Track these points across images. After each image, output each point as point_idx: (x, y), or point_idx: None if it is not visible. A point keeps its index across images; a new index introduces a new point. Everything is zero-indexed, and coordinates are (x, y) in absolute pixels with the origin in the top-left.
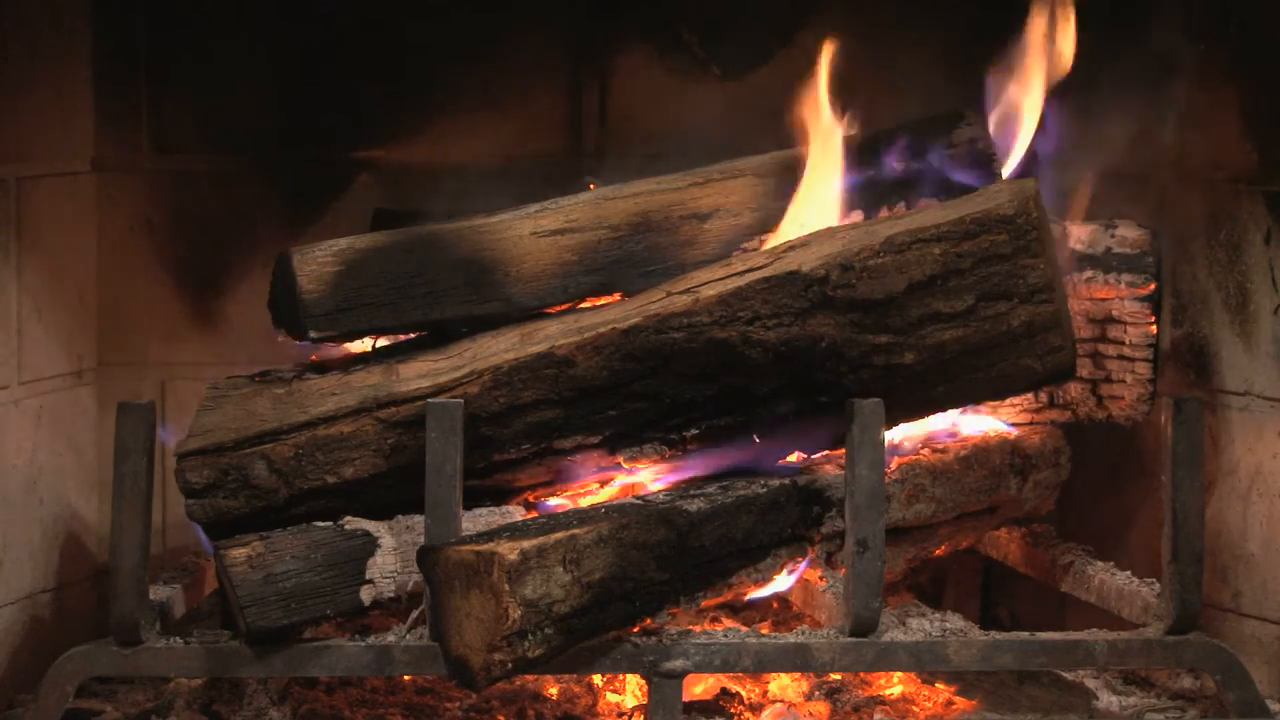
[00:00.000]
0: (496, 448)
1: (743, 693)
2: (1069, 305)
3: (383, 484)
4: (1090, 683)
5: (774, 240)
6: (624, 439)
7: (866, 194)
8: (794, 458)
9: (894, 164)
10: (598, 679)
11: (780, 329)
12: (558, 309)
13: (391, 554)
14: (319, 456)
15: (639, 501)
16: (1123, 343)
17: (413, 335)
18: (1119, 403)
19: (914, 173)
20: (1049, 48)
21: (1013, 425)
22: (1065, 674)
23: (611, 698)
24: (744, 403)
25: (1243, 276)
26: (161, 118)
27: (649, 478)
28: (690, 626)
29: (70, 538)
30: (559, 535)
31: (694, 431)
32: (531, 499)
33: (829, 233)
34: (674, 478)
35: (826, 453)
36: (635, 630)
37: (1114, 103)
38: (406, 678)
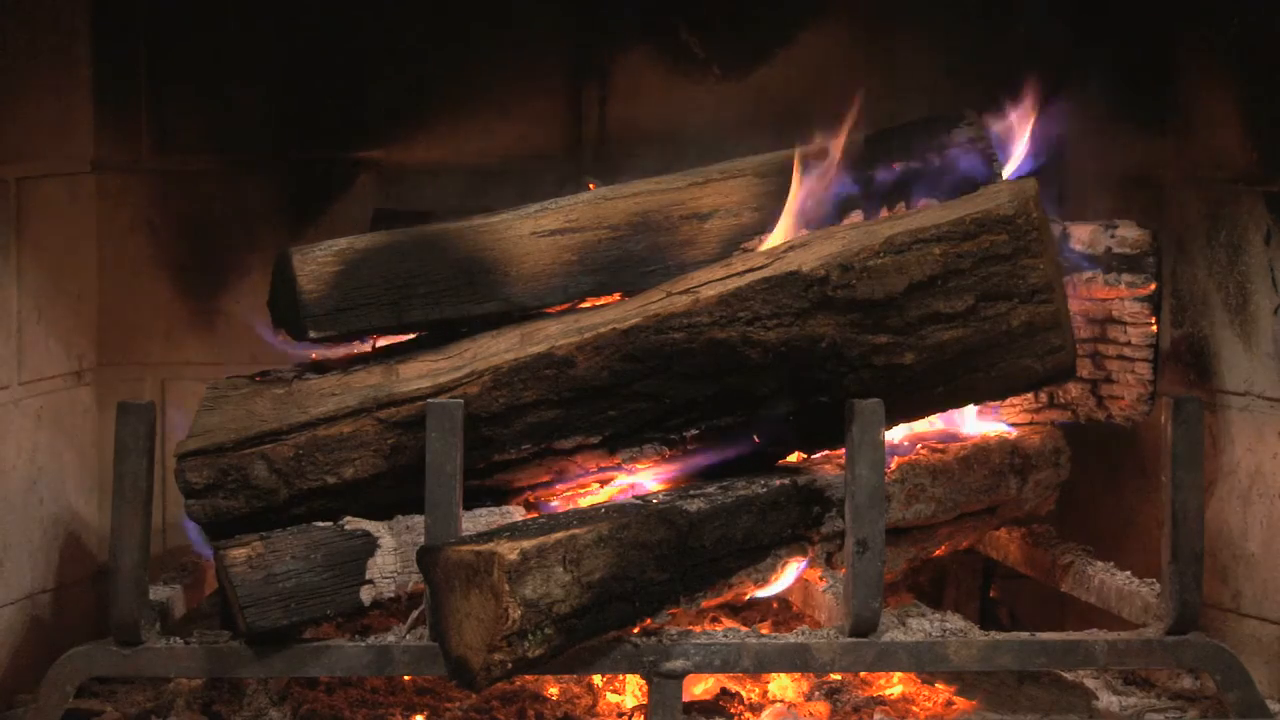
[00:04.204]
0: (496, 448)
1: (743, 693)
2: (1069, 305)
3: (383, 484)
4: (1090, 683)
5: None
6: (624, 439)
7: (866, 194)
8: (794, 458)
9: (894, 164)
10: (598, 679)
11: (780, 329)
12: (558, 309)
13: (391, 554)
14: (319, 457)
15: (639, 501)
16: (1123, 343)
17: (413, 335)
18: (1119, 403)
19: (914, 173)
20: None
21: (1013, 425)
22: (1065, 674)
23: (611, 698)
24: (744, 403)
25: (1243, 277)
26: (161, 118)
27: (649, 477)
28: (690, 626)
29: (70, 538)
30: (559, 535)
31: (694, 431)
32: (531, 499)
33: (829, 233)
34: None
35: (826, 453)
36: (635, 630)
37: (1113, 103)
38: (406, 678)
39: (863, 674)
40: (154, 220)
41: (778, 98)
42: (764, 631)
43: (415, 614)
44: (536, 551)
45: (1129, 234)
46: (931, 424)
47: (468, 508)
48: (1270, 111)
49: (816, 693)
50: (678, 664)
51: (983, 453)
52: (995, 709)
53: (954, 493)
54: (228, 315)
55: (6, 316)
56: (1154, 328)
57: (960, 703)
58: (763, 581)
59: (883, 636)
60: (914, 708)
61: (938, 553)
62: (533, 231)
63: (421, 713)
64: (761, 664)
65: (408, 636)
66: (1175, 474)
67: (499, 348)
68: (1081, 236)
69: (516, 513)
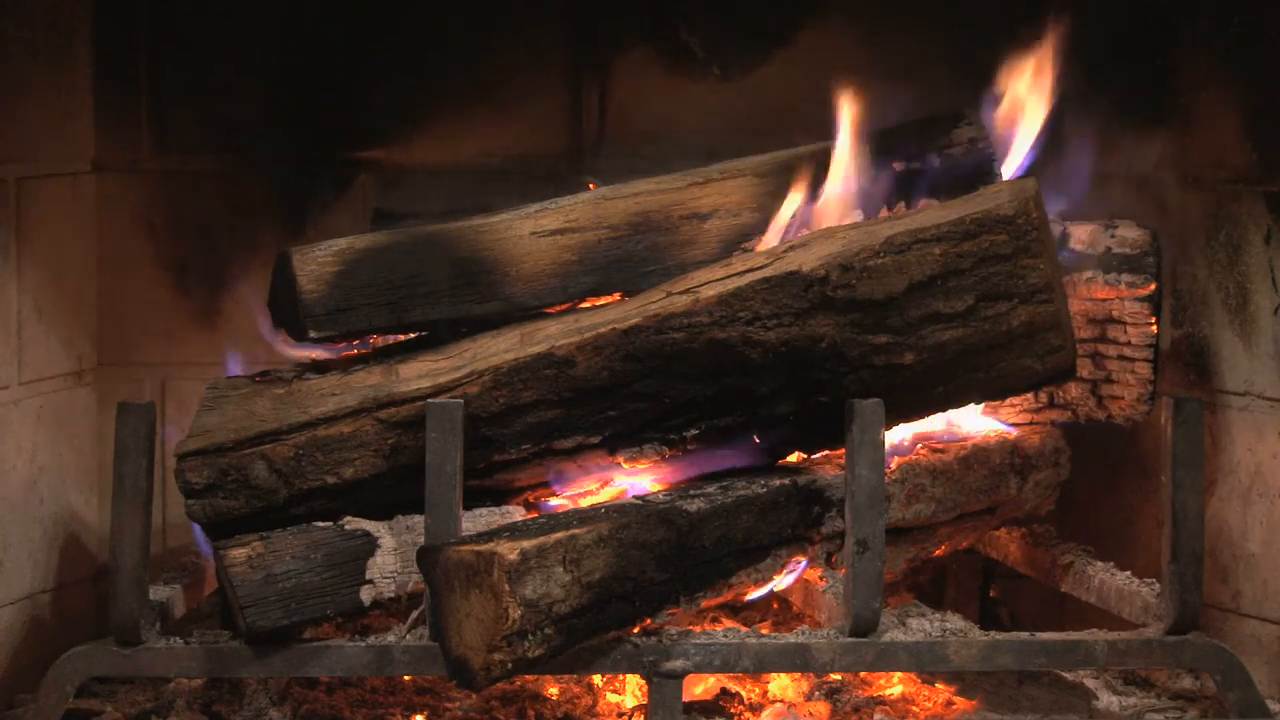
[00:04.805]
0: (496, 448)
1: (743, 693)
2: (1069, 305)
3: (383, 484)
4: (1090, 683)
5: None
6: (624, 439)
7: (867, 194)
8: (794, 458)
9: (894, 164)
10: (598, 679)
11: (780, 329)
12: (558, 309)
13: (391, 554)
14: (319, 457)
15: (639, 501)
16: (1123, 343)
17: (413, 335)
18: (1119, 403)
19: (914, 173)
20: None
21: (1013, 425)
22: (1065, 674)
23: (611, 698)
24: (744, 403)
25: (1243, 276)
26: (161, 118)
27: (649, 478)
28: (690, 626)
29: (70, 538)
30: (559, 535)
31: (694, 431)
32: (531, 499)
33: (829, 233)
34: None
35: (826, 453)
36: (635, 630)
37: (1114, 102)
38: (406, 678)
39: (863, 674)
40: (154, 220)
41: (778, 98)
42: (764, 631)
43: (415, 614)
44: (536, 551)
45: (1129, 234)
46: (931, 424)
47: (468, 508)
48: (1270, 111)
49: (816, 693)
50: (678, 664)
51: (983, 453)
52: (995, 709)
53: (954, 493)
54: (228, 315)
55: (6, 316)
56: (1154, 328)
57: (960, 703)
58: (763, 581)
59: (883, 636)
60: (914, 708)
61: (938, 553)
62: (533, 231)
63: (421, 713)
64: (761, 664)
65: (408, 636)
66: (1175, 474)
67: (499, 348)
68: (1081, 236)
69: (516, 513)
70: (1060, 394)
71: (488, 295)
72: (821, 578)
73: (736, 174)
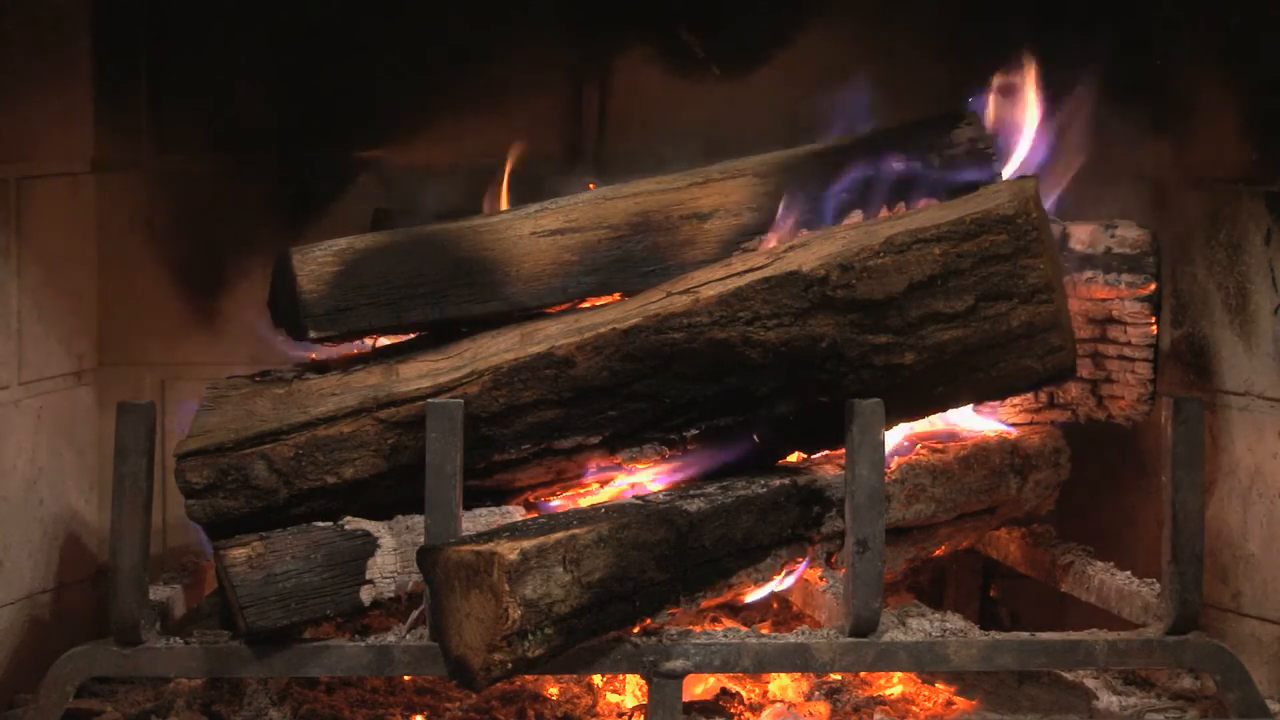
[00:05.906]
0: (496, 448)
1: (743, 693)
2: (1069, 305)
3: (383, 484)
4: (1090, 683)
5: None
6: (624, 439)
7: (866, 194)
8: (794, 458)
9: (894, 164)
10: (598, 679)
11: (780, 329)
12: (558, 309)
13: (391, 554)
14: (319, 457)
15: (639, 501)
16: (1123, 343)
17: (413, 335)
18: (1119, 403)
19: (914, 172)
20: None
21: (1013, 425)
22: (1065, 674)
23: (611, 698)
24: (744, 403)
25: (1243, 276)
26: (161, 118)
27: (649, 477)
28: (690, 626)
29: (70, 538)
30: (559, 535)
31: (694, 432)
32: (531, 499)
33: (829, 233)
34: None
35: (826, 453)
36: (635, 630)
37: (1114, 102)
38: (406, 678)
39: (863, 674)
40: (154, 220)
41: (777, 98)
42: (764, 631)
43: (415, 614)
44: (536, 551)
45: (1129, 234)
46: (931, 424)
47: (468, 508)
48: (1270, 111)
49: (816, 693)
50: (678, 664)
51: (983, 453)
52: (995, 709)
53: (954, 493)
54: (228, 315)
55: (6, 316)
56: (1154, 328)
57: (960, 703)
58: (763, 581)
59: (883, 636)
60: (914, 708)
61: (938, 553)
62: (533, 231)
63: (421, 713)
64: (761, 664)
65: (408, 636)
66: (1175, 474)
67: (499, 348)
68: (1081, 236)
69: (516, 513)
70: (1060, 394)
71: (488, 295)
72: (821, 578)
73: (736, 174)
